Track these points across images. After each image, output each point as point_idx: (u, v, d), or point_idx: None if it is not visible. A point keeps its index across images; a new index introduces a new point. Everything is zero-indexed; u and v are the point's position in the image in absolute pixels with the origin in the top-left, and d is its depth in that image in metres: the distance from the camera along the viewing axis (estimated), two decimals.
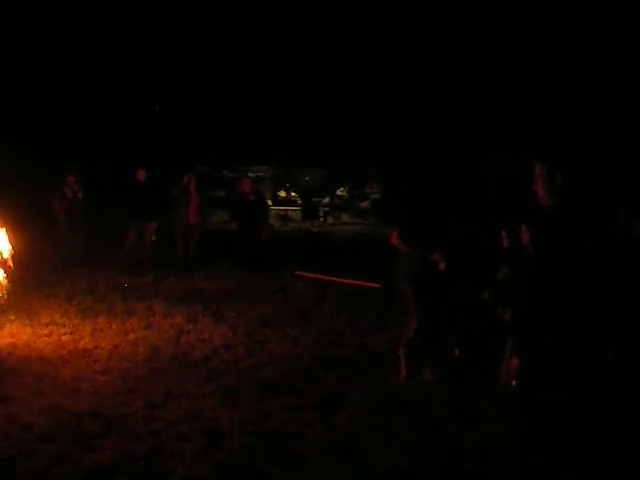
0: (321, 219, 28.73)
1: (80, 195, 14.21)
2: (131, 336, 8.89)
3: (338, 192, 30.29)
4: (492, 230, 7.66)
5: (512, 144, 23.77)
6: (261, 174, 28.13)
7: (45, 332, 8.94)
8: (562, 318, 5.82)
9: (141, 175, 14.58)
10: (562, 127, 23.21)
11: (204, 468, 5.16)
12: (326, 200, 29.71)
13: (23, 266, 8.99)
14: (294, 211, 29.08)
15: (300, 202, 29.41)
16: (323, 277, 12.88)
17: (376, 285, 11.16)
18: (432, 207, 7.47)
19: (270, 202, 24.61)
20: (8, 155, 18.49)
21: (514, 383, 6.73)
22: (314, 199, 29.43)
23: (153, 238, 14.45)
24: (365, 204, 29.99)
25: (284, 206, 29.06)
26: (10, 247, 8.27)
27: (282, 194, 29.66)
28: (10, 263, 8.13)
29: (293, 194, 29.80)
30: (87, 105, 25.76)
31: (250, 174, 24.77)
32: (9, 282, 8.30)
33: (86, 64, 25.61)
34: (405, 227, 7.38)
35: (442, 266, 7.12)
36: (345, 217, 29.39)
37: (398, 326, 8.93)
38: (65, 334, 8.87)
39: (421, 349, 7.33)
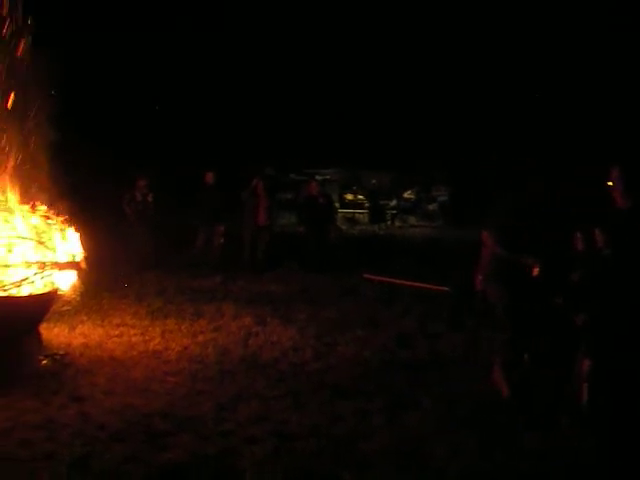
0: (388, 222, 28.55)
1: (150, 199, 14.43)
2: (200, 338, 8.95)
3: (405, 195, 30.11)
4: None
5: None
6: (328, 177, 28.09)
7: (116, 333, 9.08)
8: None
9: (209, 177, 14.74)
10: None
11: (274, 470, 5.14)
12: (393, 203, 29.54)
13: (95, 268, 9.11)
14: (361, 214, 29.00)
15: (367, 205, 29.32)
16: (392, 280, 12.79)
17: (445, 289, 11.01)
18: (529, 211, 7.28)
19: (337, 205, 24.58)
20: (83, 161, 18.84)
21: (585, 386, 6.54)
22: (381, 202, 29.30)
23: (221, 240, 14.59)
24: (433, 207, 29.75)
25: (351, 209, 29.03)
26: (83, 250, 8.38)
27: (349, 197, 29.63)
28: (83, 265, 8.24)
29: (360, 197, 29.73)
30: (158, 109, 26.19)
31: (317, 177, 24.79)
32: (82, 284, 8.42)
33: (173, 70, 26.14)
34: (501, 228, 7.19)
35: (536, 271, 6.89)
36: (412, 220, 29.17)
37: (468, 330, 8.85)
38: (135, 335, 8.99)
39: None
